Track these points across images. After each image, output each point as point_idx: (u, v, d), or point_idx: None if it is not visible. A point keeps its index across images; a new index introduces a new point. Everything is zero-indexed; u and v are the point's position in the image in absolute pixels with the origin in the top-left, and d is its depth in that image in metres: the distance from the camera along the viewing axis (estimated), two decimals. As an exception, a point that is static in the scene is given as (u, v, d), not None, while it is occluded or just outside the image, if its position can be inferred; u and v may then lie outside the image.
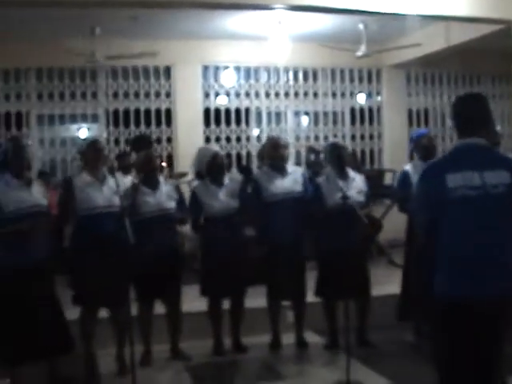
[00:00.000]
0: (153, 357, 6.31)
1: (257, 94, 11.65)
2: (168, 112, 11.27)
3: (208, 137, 11.35)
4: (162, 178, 6.38)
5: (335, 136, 11.94)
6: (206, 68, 11.41)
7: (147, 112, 11.18)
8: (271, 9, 8.38)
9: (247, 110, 11.68)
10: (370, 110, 12.32)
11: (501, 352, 3.51)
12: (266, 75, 11.68)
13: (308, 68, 11.77)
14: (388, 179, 10.38)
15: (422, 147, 6.62)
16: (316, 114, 12.02)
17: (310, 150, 10.51)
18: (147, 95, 11.17)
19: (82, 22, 8.91)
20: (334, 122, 12.07)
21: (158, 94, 11.22)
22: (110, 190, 5.64)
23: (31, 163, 5.63)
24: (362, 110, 12.27)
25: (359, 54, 9.82)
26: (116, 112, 11.07)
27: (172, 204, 6.23)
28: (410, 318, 6.67)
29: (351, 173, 6.65)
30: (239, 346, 6.65)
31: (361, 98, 12.35)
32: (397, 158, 11.73)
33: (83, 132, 11.26)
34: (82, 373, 5.88)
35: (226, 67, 11.55)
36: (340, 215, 5.88)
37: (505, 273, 3.45)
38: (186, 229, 7.18)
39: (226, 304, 6.61)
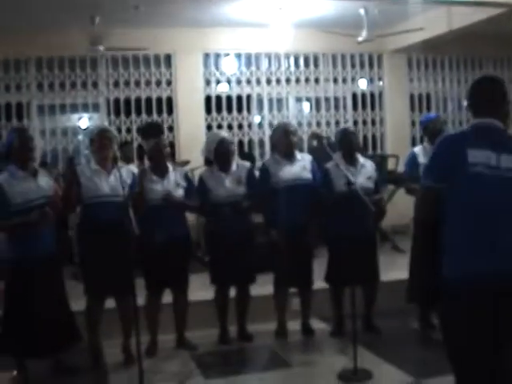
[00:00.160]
0: (158, 346, 6.31)
1: (258, 81, 11.59)
2: (169, 100, 11.21)
3: (210, 124, 11.30)
4: (171, 166, 6.34)
5: (337, 122, 11.91)
6: (206, 55, 11.35)
7: (148, 100, 11.12)
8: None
9: (249, 97, 11.62)
10: (372, 95, 12.25)
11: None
12: (267, 62, 11.62)
13: (309, 54, 11.70)
14: (391, 164, 10.34)
15: (430, 131, 6.63)
16: (318, 100, 11.95)
17: (313, 136, 10.49)
18: (148, 84, 11.11)
19: (83, 11, 8.84)
20: (336, 108, 12.01)
21: (158, 83, 11.16)
22: (117, 179, 5.59)
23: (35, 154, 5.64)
24: (363, 95, 12.19)
25: (360, 39, 9.76)
26: (117, 101, 11.02)
27: (179, 192, 6.21)
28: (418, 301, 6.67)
29: (361, 159, 6.65)
30: (245, 334, 6.65)
31: (362, 84, 12.29)
32: (399, 143, 11.76)
33: (84, 121, 11.21)
34: (87, 363, 5.90)
35: (227, 54, 11.49)
36: (347, 201, 5.87)
37: None
38: (190, 216, 7.15)
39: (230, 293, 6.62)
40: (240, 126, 11.47)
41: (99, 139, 5.86)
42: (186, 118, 11.00)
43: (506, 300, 3.43)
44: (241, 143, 11.43)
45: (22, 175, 5.33)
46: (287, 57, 11.65)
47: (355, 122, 11.95)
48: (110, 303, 6.03)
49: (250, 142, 11.53)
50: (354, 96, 12.16)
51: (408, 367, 5.62)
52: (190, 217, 7.19)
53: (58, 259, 5.68)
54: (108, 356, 6.07)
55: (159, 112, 11.12)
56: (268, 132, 11.50)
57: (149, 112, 11.08)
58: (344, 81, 12.02)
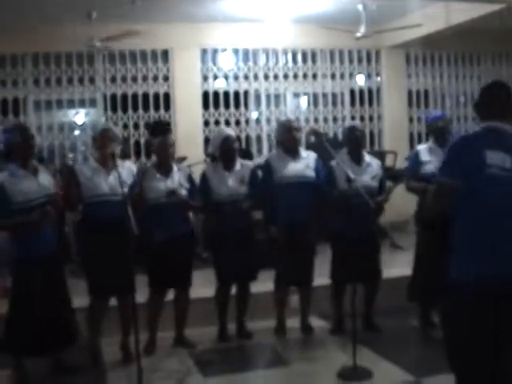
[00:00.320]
0: (157, 344, 6.28)
1: (255, 77, 11.55)
2: (166, 96, 11.17)
3: (207, 120, 11.28)
4: (175, 166, 6.31)
5: (335, 118, 11.91)
6: (204, 51, 11.31)
7: (145, 96, 11.08)
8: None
9: (246, 93, 11.59)
10: (370, 91, 12.22)
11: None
12: (264, 57, 11.58)
13: (307, 49, 11.67)
14: (389, 161, 10.30)
15: (435, 130, 6.60)
16: (315, 96, 11.93)
17: (311, 132, 10.46)
18: (145, 79, 11.07)
19: (79, 6, 8.81)
20: (334, 104, 11.98)
21: (155, 78, 11.12)
22: (116, 178, 5.54)
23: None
24: (361, 91, 12.17)
25: (358, 35, 9.73)
26: (114, 96, 10.97)
27: (182, 192, 6.16)
28: (423, 300, 6.66)
29: (367, 157, 6.62)
30: (244, 331, 6.63)
31: (360, 80, 12.25)
32: (397, 140, 11.76)
33: (80, 117, 11.16)
34: (86, 361, 5.87)
35: (225, 50, 11.45)
36: (349, 199, 5.84)
37: None
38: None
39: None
40: (237, 122, 11.44)
41: (101, 138, 5.83)
42: (184, 114, 10.97)
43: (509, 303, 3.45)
44: (238, 139, 11.32)
45: (22, 173, 5.29)
46: (285, 52, 11.63)
47: (353, 118, 11.90)
48: (111, 301, 6.01)
49: (248, 138, 11.51)
50: (352, 92, 12.13)
51: (408, 365, 5.59)
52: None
53: (59, 257, 5.65)
54: (106, 354, 6.03)
55: (156, 108, 11.09)
56: (266, 128, 11.51)
57: (146, 108, 11.04)
58: (342, 77, 11.99)
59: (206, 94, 11.34)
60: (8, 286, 5.66)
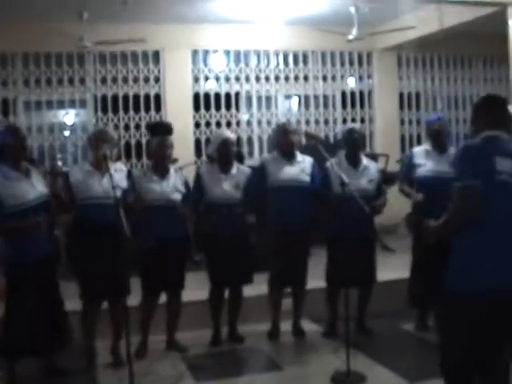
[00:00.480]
0: (148, 348, 6.22)
1: (247, 78, 11.51)
2: (157, 97, 11.11)
3: (198, 122, 11.23)
4: (172, 169, 6.26)
5: (326, 120, 11.87)
6: (195, 52, 11.26)
7: (136, 97, 11.01)
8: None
9: (237, 95, 11.53)
10: (361, 93, 12.19)
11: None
12: (256, 59, 11.53)
13: (298, 51, 11.63)
14: (381, 164, 10.25)
15: (431, 132, 6.57)
16: (307, 98, 11.88)
17: (307, 136, 10.40)
18: (136, 80, 11.01)
19: (70, 6, 8.72)
20: (325, 106, 11.94)
21: (146, 79, 11.06)
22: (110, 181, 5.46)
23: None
24: (352, 93, 12.13)
25: (351, 37, 9.69)
26: (104, 97, 10.90)
27: (178, 196, 6.12)
28: (424, 306, 6.65)
29: (365, 160, 6.58)
30: (236, 335, 6.59)
31: (352, 82, 12.22)
32: (388, 142, 11.76)
33: (69, 117, 11.08)
34: (77, 365, 5.81)
35: (216, 51, 11.39)
36: (344, 202, 5.80)
37: None
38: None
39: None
40: (228, 124, 11.36)
41: (95, 140, 5.77)
42: (174, 116, 10.87)
43: None
44: (238, 142, 11.32)
45: (15, 176, 5.21)
46: (276, 54, 11.59)
47: (344, 120, 11.90)
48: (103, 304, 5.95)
49: (239, 140, 11.41)
50: (344, 94, 12.10)
51: (401, 370, 5.55)
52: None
53: (53, 260, 5.60)
54: (98, 357, 5.97)
55: (147, 109, 11.03)
56: (256, 130, 11.48)
57: (137, 109, 10.98)
58: (333, 79, 11.96)
59: (196, 96, 11.29)
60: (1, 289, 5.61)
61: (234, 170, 6.41)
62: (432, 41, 10.90)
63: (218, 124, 11.26)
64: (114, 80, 10.91)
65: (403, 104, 12.30)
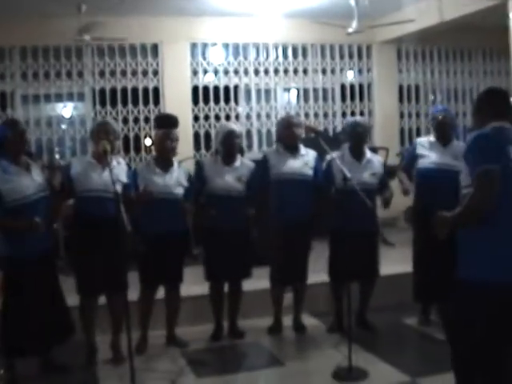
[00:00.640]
0: (148, 343, 6.19)
1: (246, 72, 11.43)
2: (156, 90, 11.04)
3: (197, 115, 11.17)
4: (176, 163, 6.21)
5: (325, 113, 11.81)
6: (193, 45, 11.18)
7: (134, 91, 10.94)
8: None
9: (236, 88, 11.46)
10: (361, 86, 12.12)
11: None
12: (255, 52, 11.44)
13: (298, 44, 11.55)
14: (380, 157, 10.20)
15: (435, 124, 6.54)
16: (306, 91, 11.81)
17: (308, 129, 10.35)
18: (134, 73, 10.93)
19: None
20: (324, 99, 11.87)
21: (145, 73, 10.99)
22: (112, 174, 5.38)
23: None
24: (352, 86, 12.06)
25: (350, 30, 9.63)
26: (103, 91, 10.83)
27: (180, 190, 6.07)
28: (426, 300, 6.62)
29: (368, 154, 6.52)
30: (236, 330, 6.55)
31: (351, 75, 12.16)
32: (388, 135, 11.71)
33: (67, 110, 11.01)
34: (76, 361, 5.77)
35: (214, 44, 11.32)
36: (347, 197, 5.76)
37: None
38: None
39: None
40: (227, 117, 11.30)
41: (97, 132, 5.72)
42: (173, 109, 10.68)
43: None
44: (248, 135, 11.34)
45: (15, 170, 5.16)
46: (275, 47, 11.51)
47: (344, 114, 11.84)
48: (100, 299, 5.90)
49: (238, 133, 11.37)
50: (343, 87, 12.03)
51: (404, 365, 5.52)
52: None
53: (52, 255, 5.56)
54: (97, 353, 5.93)
55: (146, 102, 10.96)
56: (256, 123, 11.42)
57: (135, 102, 10.91)
58: (333, 72, 11.88)
59: (195, 89, 11.22)
60: None
61: (237, 163, 6.35)
62: (432, 34, 10.85)
63: (217, 117, 11.21)
64: (113, 73, 10.84)
65: (403, 97, 12.23)
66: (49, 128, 10.70)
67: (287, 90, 11.98)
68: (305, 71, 11.73)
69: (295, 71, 11.68)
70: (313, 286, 6.80)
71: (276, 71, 11.58)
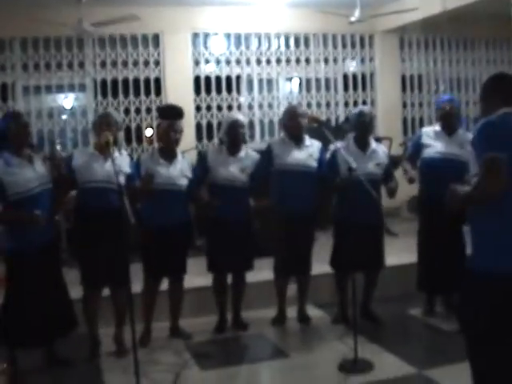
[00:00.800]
0: (152, 335, 6.16)
1: (248, 61, 11.37)
2: (157, 81, 10.98)
3: (199, 105, 11.10)
4: (180, 154, 6.16)
5: (328, 103, 11.75)
6: (195, 35, 11.11)
7: (136, 81, 10.88)
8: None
9: (238, 78, 11.40)
10: (363, 76, 12.05)
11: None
12: (257, 42, 11.39)
13: (299, 34, 11.48)
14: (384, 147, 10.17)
15: (441, 114, 6.48)
16: (308, 81, 11.76)
17: (312, 120, 10.29)
18: (135, 64, 10.86)
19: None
20: (327, 89, 11.81)
21: (146, 63, 10.91)
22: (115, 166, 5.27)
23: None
24: (354, 76, 12.00)
25: (353, 19, 9.57)
26: (104, 82, 10.76)
27: (184, 181, 6.02)
28: (433, 290, 6.60)
29: (373, 144, 6.45)
30: (239, 322, 6.52)
31: (353, 64, 12.08)
32: (390, 125, 11.65)
33: (68, 101, 10.96)
34: (79, 354, 5.74)
35: (216, 34, 11.25)
36: (351, 187, 5.72)
37: None
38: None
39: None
40: (229, 107, 11.24)
41: (99, 124, 5.67)
42: (175, 99, 10.67)
43: None
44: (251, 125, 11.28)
45: (17, 162, 5.13)
46: (277, 37, 11.44)
47: (346, 103, 11.80)
48: (104, 292, 5.86)
49: (240, 123, 11.32)
50: (345, 77, 11.96)
51: (410, 357, 5.48)
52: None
53: (55, 248, 5.52)
54: (101, 346, 5.90)
55: (147, 93, 10.90)
56: (258, 113, 11.37)
57: (137, 93, 10.85)
58: (335, 61, 11.82)
59: (197, 79, 11.15)
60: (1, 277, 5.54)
61: (241, 154, 6.30)
62: (435, 22, 10.79)
63: (219, 107, 11.15)
64: (114, 64, 10.77)
65: (405, 86, 12.17)
66: (50, 119, 10.64)
67: (289, 79, 11.92)
68: (307, 61, 11.65)
69: (297, 61, 11.60)
70: (317, 276, 6.77)
71: (278, 61, 11.51)
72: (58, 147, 10.05)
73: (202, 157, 6.38)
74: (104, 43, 10.67)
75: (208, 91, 11.17)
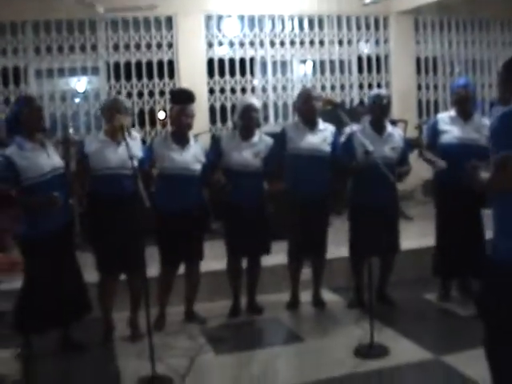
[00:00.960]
0: (166, 319, 6.15)
1: (261, 44, 11.25)
2: (170, 64, 10.90)
3: (212, 88, 11.02)
4: (192, 139, 6.11)
5: (342, 85, 11.65)
6: (208, 17, 11.00)
7: (149, 64, 10.80)
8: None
9: (252, 60, 11.30)
10: (378, 58, 11.90)
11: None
12: (270, 24, 11.26)
13: (314, 15, 11.34)
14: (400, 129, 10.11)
15: (457, 99, 6.40)
16: (322, 63, 11.64)
17: (327, 102, 10.21)
18: (149, 47, 10.78)
19: (81, -28, 8.58)
20: (341, 71, 11.69)
21: (159, 46, 10.82)
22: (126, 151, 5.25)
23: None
24: (369, 58, 11.85)
25: (367, 1, 9.51)
26: (117, 64, 10.69)
27: (197, 166, 5.99)
28: (449, 275, 6.55)
29: (389, 127, 6.38)
30: (254, 306, 6.50)
31: (368, 46, 11.96)
32: (405, 107, 11.52)
33: (81, 84, 10.92)
34: (94, 338, 5.74)
35: (229, 16, 11.16)
36: (367, 171, 5.67)
37: None
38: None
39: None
40: (243, 90, 11.16)
41: (109, 110, 5.63)
42: (188, 82, 10.62)
43: None
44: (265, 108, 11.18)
45: (30, 147, 5.11)
46: (291, 19, 11.31)
47: (361, 86, 11.68)
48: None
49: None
50: (360, 59, 11.82)
51: (426, 342, 5.44)
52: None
53: (69, 232, 5.50)
54: (115, 330, 5.90)
55: (160, 76, 10.83)
56: (272, 96, 11.28)
57: (150, 76, 10.78)
58: (349, 43, 11.68)
59: (210, 62, 11.05)
60: (15, 259, 5.53)
61: (255, 139, 6.25)
62: (450, 4, 10.68)
63: (233, 90, 11.06)
64: (127, 46, 10.68)
65: (420, 69, 12.01)
66: (63, 103, 10.59)
67: (303, 61, 11.81)
68: (321, 43, 11.53)
69: (311, 43, 11.47)
70: (332, 260, 6.75)
71: (292, 43, 11.38)
72: (71, 131, 10.01)
73: (215, 141, 6.34)
74: (117, 26, 10.59)
75: (221, 74, 11.08)
